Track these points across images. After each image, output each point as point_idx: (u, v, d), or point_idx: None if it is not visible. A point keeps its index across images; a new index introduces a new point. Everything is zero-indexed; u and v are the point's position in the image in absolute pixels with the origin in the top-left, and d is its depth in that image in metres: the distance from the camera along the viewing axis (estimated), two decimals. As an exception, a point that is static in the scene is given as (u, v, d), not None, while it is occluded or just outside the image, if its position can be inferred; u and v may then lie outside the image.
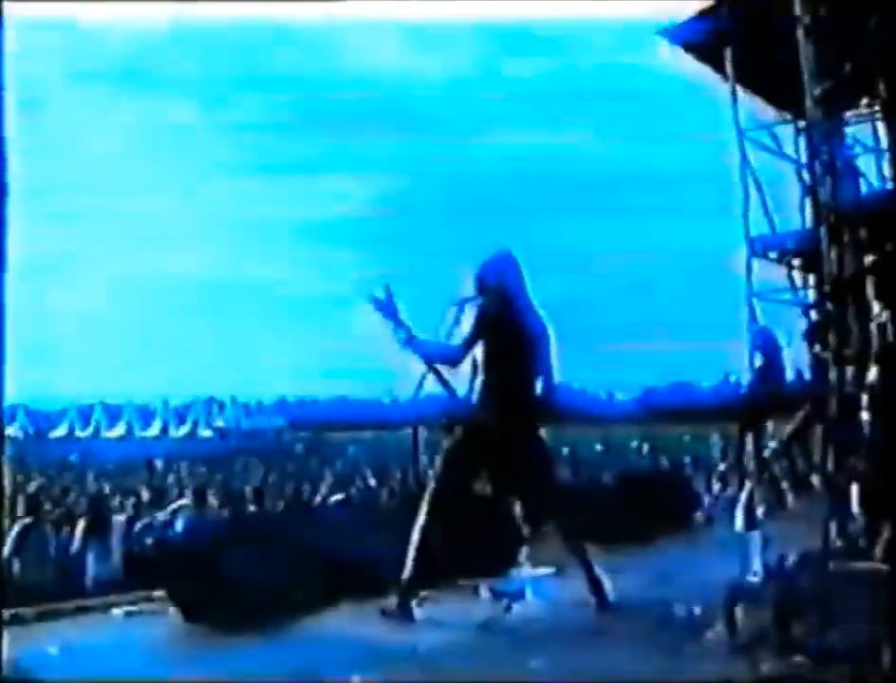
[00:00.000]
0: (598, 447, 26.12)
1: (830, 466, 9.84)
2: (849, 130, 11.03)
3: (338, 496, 13.40)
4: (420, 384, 6.06)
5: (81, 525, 11.07)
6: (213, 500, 14.41)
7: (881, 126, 12.63)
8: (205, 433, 45.75)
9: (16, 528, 11.35)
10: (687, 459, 20.49)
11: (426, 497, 5.89)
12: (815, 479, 10.73)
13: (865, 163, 11.61)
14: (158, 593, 6.44)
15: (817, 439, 10.84)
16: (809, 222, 12.12)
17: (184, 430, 46.04)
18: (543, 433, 6.01)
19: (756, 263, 12.08)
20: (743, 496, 4.36)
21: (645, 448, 26.09)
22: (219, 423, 47.00)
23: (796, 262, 12.63)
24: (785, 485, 10.65)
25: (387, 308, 5.70)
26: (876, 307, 5.11)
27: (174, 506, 12.92)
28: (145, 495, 16.26)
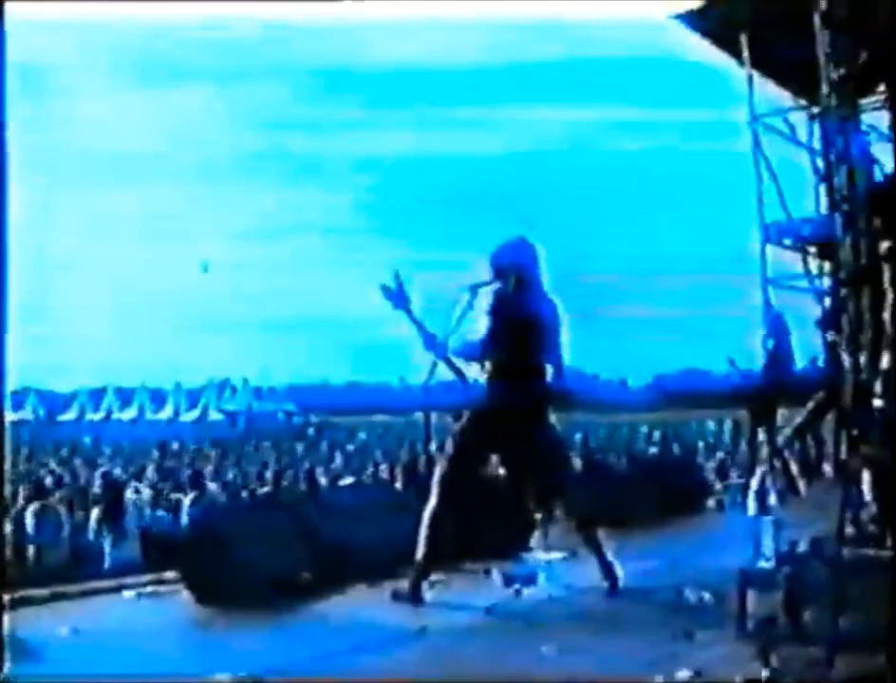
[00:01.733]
0: (610, 432, 26.12)
1: (842, 453, 9.88)
2: (864, 117, 10.96)
3: (349, 479, 13.44)
4: (432, 370, 6.06)
5: (96, 510, 11.11)
6: (223, 483, 14.50)
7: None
8: (216, 416, 45.84)
9: (30, 511, 11.42)
10: (700, 445, 20.53)
11: (436, 480, 5.89)
12: (827, 466, 10.75)
13: (880, 151, 11.54)
14: (171, 575, 6.47)
15: (830, 426, 10.84)
16: (823, 209, 12.06)
17: (195, 413, 46.15)
18: (553, 417, 6.00)
19: (770, 249, 12.01)
20: (755, 482, 4.35)
21: (657, 434, 26.11)
22: (230, 407, 47.06)
23: (812, 249, 12.56)
24: (796, 471, 10.64)
25: (397, 298, 5.67)
26: (891, 294, 5.10)
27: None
28: (157, 478, 16.36)
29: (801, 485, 10.37)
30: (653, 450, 22.11)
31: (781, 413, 11.16)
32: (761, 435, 11.12)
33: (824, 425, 10.86)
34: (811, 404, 10.94)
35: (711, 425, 29.79)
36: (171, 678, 4.30)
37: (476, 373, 5.92)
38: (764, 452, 10.89)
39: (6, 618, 4.37)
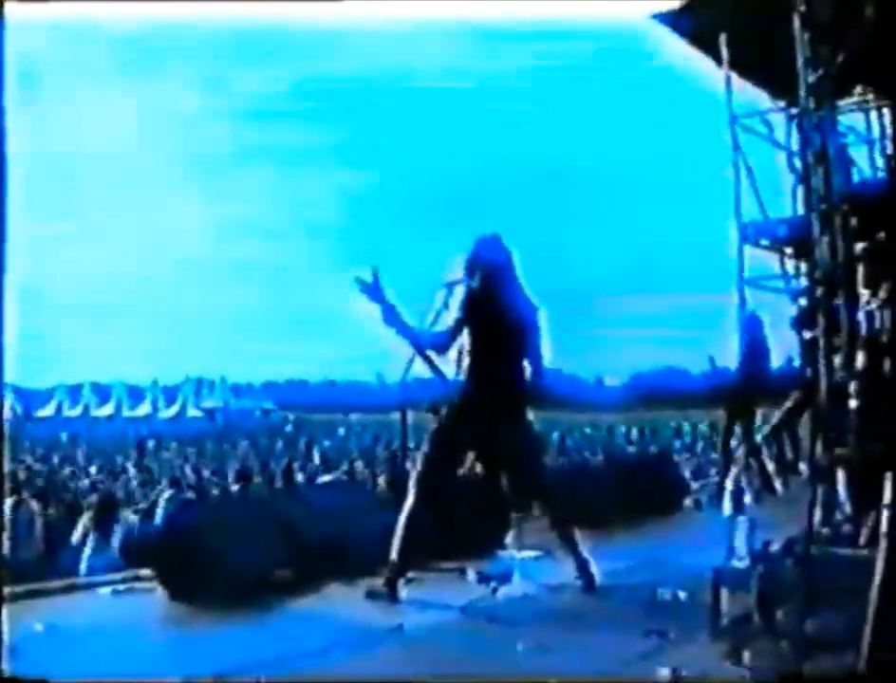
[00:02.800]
0: (587, 431, 26.19)
1: (818, 452, 9.94)
2: (841, 118, 11.00)
3: (326, 477, 13.41)
4: (408, 367, 6.06)
5: (85, 518, 10.99)
6: (199, 479, 14.45)
7: (874, 115, 12.69)
8: (194, 412, 45.70)
9: (7, 506, 11.33)
10: (676, 444, 20.62)
11: (413, 479, 5.90)
12: (803, 466, 10.79)
13: (856, 153, 11.62)
14: (146, 572, 6.45)
15: (806, 426, 10.90)
16: (800, 210, 12.11)
17: (173, 410, 45.99)
18: (531, 415, 6.00)
19: (747, 249, 12.05)
20: (730, 481, 4.37)
21: (634, 433, 26.21)
22: (208, 404, 46.92)
23: (788, 249, 12.60)
24: (773, 470, 10.69)
25: (374, 291, 5.64)
26: (865, 295, 5.14)
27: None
28: (135, 473, 16.30)
29: (777, 484, 10.42)
30: (630, 449, 22.18)
31: (760, 412, 11.21)
32: (737, 435, 11.16)
33: (800, 424, 10.91)
34: (787, 403, 10.99)
35: (687, 426, 29.92)
36: (145, 679, 4.27)
37: (454, 371, 5.92)
38: (740, 451, 10.94)
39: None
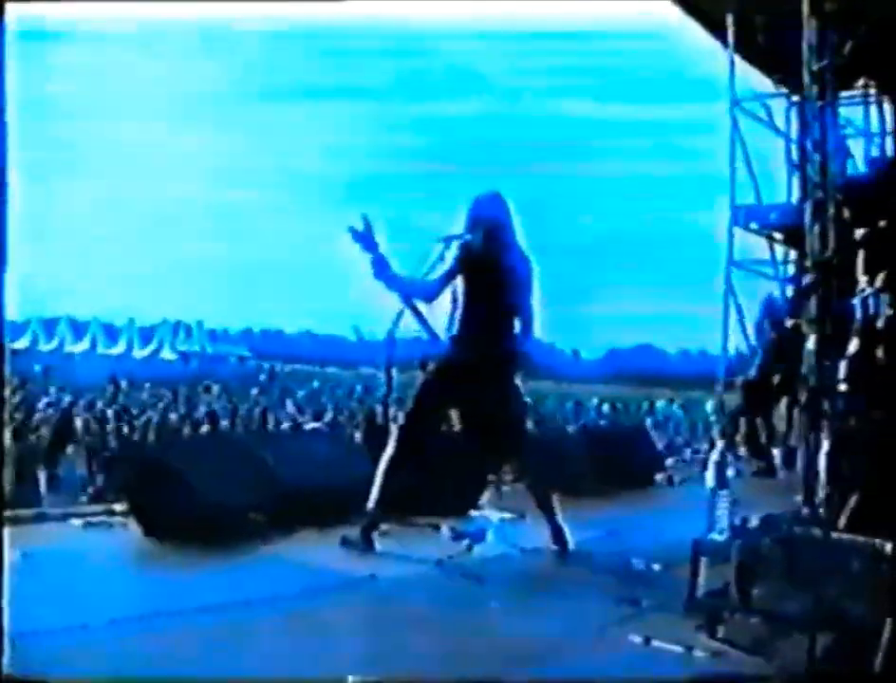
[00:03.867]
0: (559, 402, 26.20)
1: (793, 438, 10.00)
2: (840, 111, 11.00)
3: (313, 424, 13.37)
4: (396, 321, 6.02)
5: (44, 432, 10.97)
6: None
7: (873, 109, 12.71)
8: (169, 355, 45.48)
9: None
10: (648, 421, 20.69)
11: (395, 430, 5.90)
12: (776, 450, 10.86)
13: (853, 145, 11.66)
14: (120, 506, 6.44)
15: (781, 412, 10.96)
16: (794, 196, 12.14)
17: (148, 350, 45.78)
18: (517, 374, 5.99)
19: (738, 232, 12.08)
20: (714, 455, 4.39)
21: (606, 407, 26.26)
22: (183, 348, 46.71)
23: (778, 235, 12.65)
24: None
25: (365, 240, 5.58)
26: (862, 282, 5.17)
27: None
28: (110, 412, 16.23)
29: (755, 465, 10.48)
30: (602, 423, 22.22)
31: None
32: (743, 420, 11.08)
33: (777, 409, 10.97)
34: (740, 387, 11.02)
35: (660, 404, 30.00)
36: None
37: (443, 326, 5.89)
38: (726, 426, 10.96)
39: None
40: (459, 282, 5.79)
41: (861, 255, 5.21)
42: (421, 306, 5.91)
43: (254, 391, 25.20)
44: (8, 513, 6.33)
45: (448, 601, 4.77)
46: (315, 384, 30.60)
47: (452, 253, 5.80)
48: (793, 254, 12.60)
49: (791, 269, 12.66)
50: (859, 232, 5.26)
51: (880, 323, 4.97)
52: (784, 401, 10.78)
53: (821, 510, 4.61)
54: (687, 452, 15.47)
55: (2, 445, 8.01)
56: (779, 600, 3.96)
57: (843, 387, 4.78)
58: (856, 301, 5.09)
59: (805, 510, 4.77)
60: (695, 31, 12.63)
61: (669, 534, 5.68)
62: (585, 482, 7.96)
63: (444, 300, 5.86)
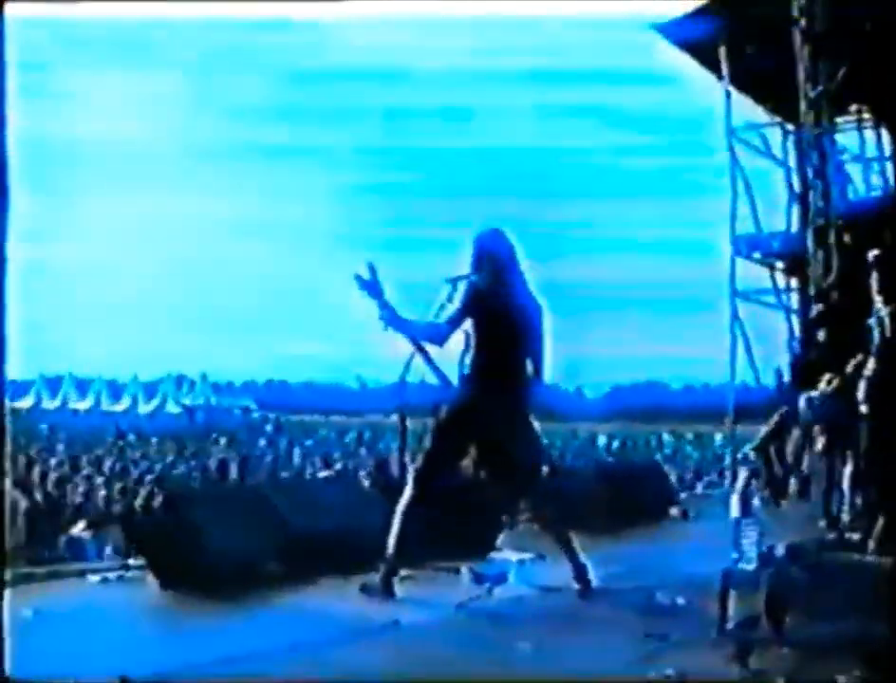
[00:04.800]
0: (567, 440, 26.17)
1: (807, 464, 9.94)
2: (837, 137, 11.05)
3: (326, 472, 13.32)
4: (408, 366, 5.99)
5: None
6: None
7: (868, 134, 12.76)
8: (173, 409, 45.44)
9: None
10: (658, 456, 20.64)
11: (411, 475, 5.86)
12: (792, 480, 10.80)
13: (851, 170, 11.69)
14: (136, 561, 6.40)
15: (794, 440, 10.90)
16: (795, 225, 12.17)
17: (153, 405, 45.73)
18: (531, 414, 5.96)
19: (739, 262, 12.11)
20: (739, 483, 4.35)
21: (615, 444, 26.22)
22: (187, 401, 46.66)
23: (780, 264, 12.66)
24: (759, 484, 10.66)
25: (371, 287, 5.58)
26: (878, 302, 5.14)
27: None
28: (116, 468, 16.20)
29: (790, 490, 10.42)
30: (610, 460, 22.19)
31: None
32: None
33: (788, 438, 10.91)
34: (774, 418, 10.98)
35: (668, 438, 29.95)
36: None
37: (456, 370, 5.87)
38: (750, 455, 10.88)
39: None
40: (470, 324, 5.77)
41: (875, 276, 5.20)
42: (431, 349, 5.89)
43: (262, 441, 25.17)
44: (24, 571, 6.38)
45: (474, 645, 4.72)
46: (322, 433, 30.58)
47: (460, 295, 5.78)
48: (794, 282, 12.61)
49: (794, 298, 12.66)
50: (872, 253, 5.25)
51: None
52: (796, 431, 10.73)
53: (847, 535, 4.57)
54: (699, 487, 15.39)
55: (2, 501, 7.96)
56: (811, 628, 3.92)
57: (863, 409, 4.75)
58: (872, 320, 5.07)
59: (830, 536, 4.74)
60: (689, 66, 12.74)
61: (689, 567, 5.64)
62: (600, 519, 7.91)
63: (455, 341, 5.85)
